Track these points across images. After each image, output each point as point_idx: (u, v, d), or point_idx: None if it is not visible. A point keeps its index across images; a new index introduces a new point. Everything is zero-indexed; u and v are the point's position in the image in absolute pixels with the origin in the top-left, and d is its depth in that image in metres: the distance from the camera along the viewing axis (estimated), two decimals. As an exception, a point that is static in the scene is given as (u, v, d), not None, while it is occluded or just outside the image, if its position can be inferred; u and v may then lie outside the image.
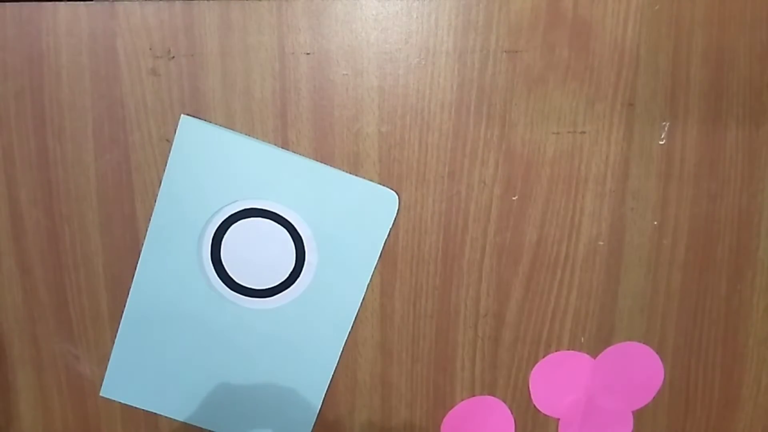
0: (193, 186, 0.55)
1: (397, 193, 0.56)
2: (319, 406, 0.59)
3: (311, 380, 0.59)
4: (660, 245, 0.59)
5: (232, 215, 0.56)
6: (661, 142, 0.57)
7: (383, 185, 0.56)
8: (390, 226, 0.56)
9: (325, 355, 0.58)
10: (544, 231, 0.58)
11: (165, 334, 0.58)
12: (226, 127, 0.55)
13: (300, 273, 0.57)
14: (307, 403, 0.59)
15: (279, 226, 0.56)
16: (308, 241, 0.56)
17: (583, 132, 0.57)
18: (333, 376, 0.59)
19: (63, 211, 0.57)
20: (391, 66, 0.55)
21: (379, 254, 0.57)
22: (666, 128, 0.57)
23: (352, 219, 0.56)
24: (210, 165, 0.55)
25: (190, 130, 0.54)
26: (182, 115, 0.55)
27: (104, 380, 0.59)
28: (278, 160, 0.55)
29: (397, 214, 0.56)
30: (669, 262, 0.59)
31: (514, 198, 0.57)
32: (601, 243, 0.59)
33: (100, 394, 0.59)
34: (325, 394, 0.59)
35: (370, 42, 0.55)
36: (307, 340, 0.58)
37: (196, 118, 0.55)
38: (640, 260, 0.59)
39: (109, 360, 0.58)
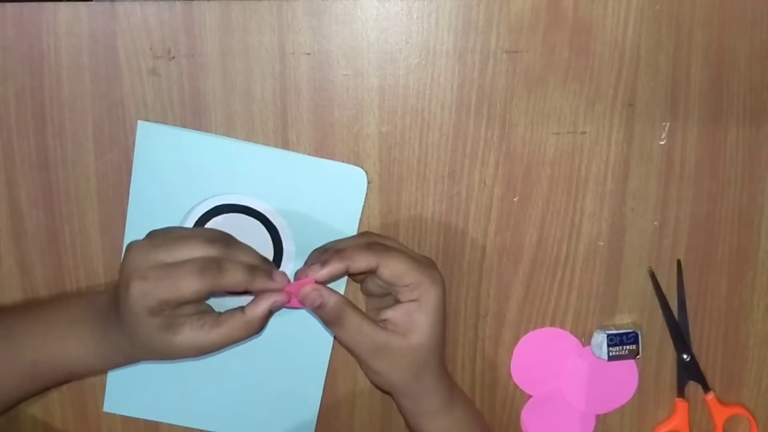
0: (161, 190, 0.55)
1: (365, 171, 0.55)
2: (320, 397, 0.59)
3: (309, 370, 0.58)
4: (660, 245, 0.59)
5: (204, 214, 0.55)
6: (661, 142, 0.57)
7: (352, 164, 0.55)
8: (362, 203, 0.56)
9: (319, 341, 0.57)
10: (545, 231, 0.58)
11: None
12: (183, 127, 0.55)
13: (280, 263, 0.56)
14: (307, 395, 0.59)
15: (252, 219, 0.55)
16: (283, 231, 0.56)
17: (584, 132, 0.57)
18: (333, 376, 0.59)
19: (63, 211, 0.56)
20: (392, 66, 0.55)
21: (355, 233, 0.56)
22: (666, 128, 0.57)
23: (323, 202, 0.55)
24: (174, 166, 0.55)
25: (149, 135, 0.54)
26: (138, 121, 0.54)
27: (105, 396, 0.59)
28: (242, 152, 0.55)
29: (367, 191, 0.56)
30: (669, 262, 0.59)
31: (514, 199, 0.57)
32: (601, 243, 0.59)
33: (104, 410, 0.59)
34: (325, 392, 0.59)
35: (371, 42, 0.55)
36: (299, 330, 0.57)
37: (153, 122, 0.54)
38: (640, 260, 0.59)
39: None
